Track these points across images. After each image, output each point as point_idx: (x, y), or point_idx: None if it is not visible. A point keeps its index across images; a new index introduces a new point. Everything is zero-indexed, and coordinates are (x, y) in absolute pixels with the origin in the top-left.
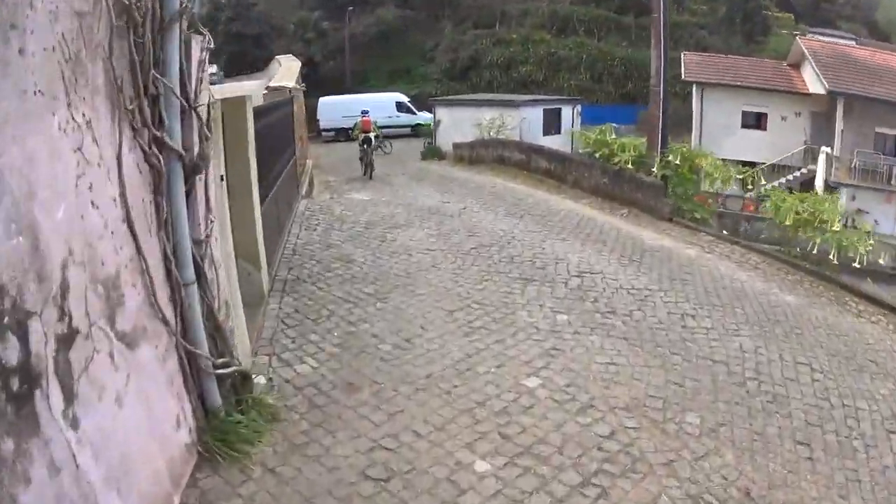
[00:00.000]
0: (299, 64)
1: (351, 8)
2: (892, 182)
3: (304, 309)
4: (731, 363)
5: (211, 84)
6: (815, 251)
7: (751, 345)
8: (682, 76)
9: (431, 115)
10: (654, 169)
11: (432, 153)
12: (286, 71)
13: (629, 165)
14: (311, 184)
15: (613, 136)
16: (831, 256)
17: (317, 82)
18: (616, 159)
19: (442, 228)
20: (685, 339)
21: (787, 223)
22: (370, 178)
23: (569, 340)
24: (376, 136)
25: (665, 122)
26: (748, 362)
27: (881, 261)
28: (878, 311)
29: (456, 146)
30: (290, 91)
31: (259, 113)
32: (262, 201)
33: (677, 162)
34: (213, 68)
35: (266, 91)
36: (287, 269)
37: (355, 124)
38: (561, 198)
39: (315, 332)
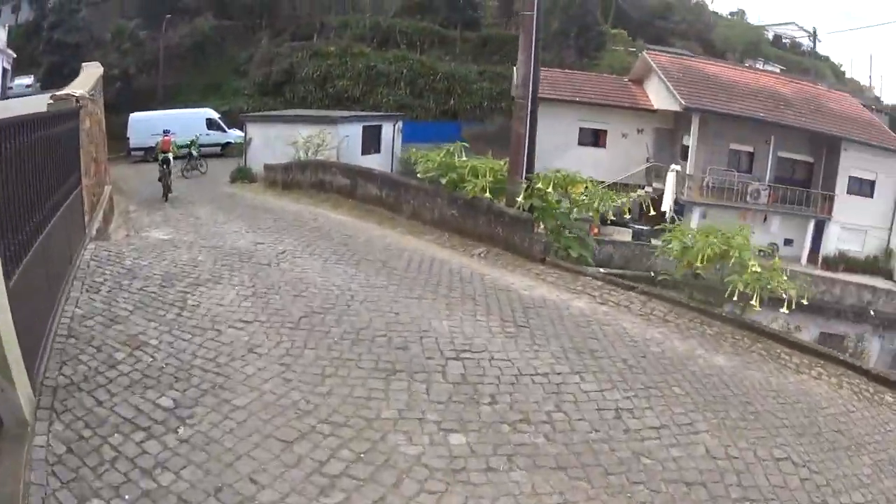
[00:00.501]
0: (100, 70)
1: (168, 16)
2: (748, 199)
3: (80, 447)
4: (707, 481)
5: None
6: (734, 297)
7: (717, 445)
8: (513, 92)
9: (242, 133)
10: (520, 199)
11: (243, 175)
12: (84, 78)
13: (486, 194)
14: (106, 219)
15: (464, 158)
16: (753, 302)
17: (130, 97)
18: (468, 186)
19: (258, 284)
20: (638, 454)
21: (699, 264)
22: (166, 199)
23: (482, 486)
24: (191, 156)
25: (533, 142)
26: (727, 475)
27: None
28: (814, 361)
29: (268, 168)
30: (76, 101)
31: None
32: (14, 270)
33: (549, 190)
34: (29, 79)
35: (50, 101)
36: (59, 366)
37: (157, 143)
38: (399, 233)
39: (99, 496)
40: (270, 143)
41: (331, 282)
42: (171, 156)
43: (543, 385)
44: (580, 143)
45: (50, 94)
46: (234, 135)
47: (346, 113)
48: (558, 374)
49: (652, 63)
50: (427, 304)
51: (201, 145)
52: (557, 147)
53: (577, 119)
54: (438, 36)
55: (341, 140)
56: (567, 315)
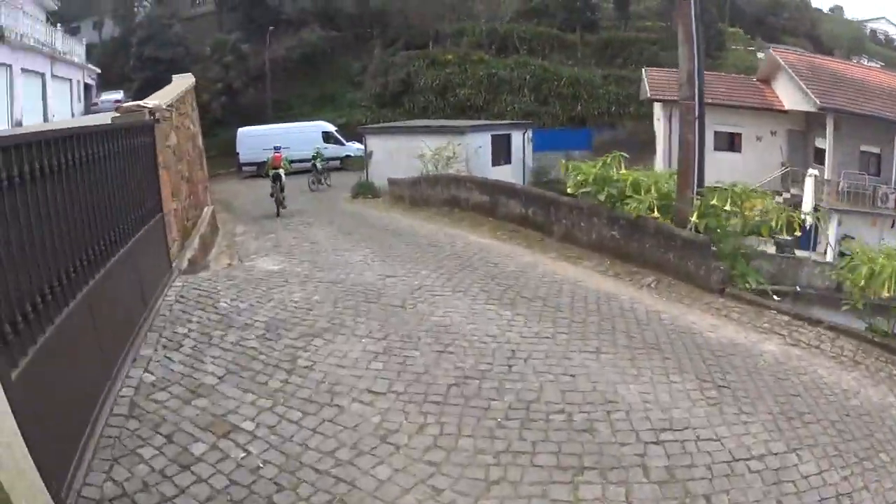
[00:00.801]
0: (190, 82)
1: (272, 28)
2: (878, 204)
3: None
4: None
5: None
6: None
7: None
8: (642, 95)
9: (362, 146)
10: (693, 218)
11: (365, 190)
12: (170, 89)
13: (654, 213)
14: (205, 245)
15: (623, 170)
16: None
17: (237, 111)
18: (631, 203)
19: (391, 335)
20: None
21: (885, 294)
22: (278, 215)
23: None
24: (315, 169)
25: (702, 151)
26: None
27: None
28: None
29: (393, 183)
30: (150, 113)
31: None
32: (24, 353)
33: (726, 207)
34: (118, 95)
35: (116, 114)
36: (109, 466)
37: (268, 159)
38: (552, 259)
39: None
40: (393, 155)
41: (483, 330)
42: (282, 172)
43: (761, 473)
44: (716, 149)
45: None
46: (354, 147)
47: (473, 122)
48: (774, 454)
49: (781, 61)
50: (607, 359)
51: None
52: None
53: (713, 122)
54: (558, 40)
55: (476, 150)
56: (763, 365)
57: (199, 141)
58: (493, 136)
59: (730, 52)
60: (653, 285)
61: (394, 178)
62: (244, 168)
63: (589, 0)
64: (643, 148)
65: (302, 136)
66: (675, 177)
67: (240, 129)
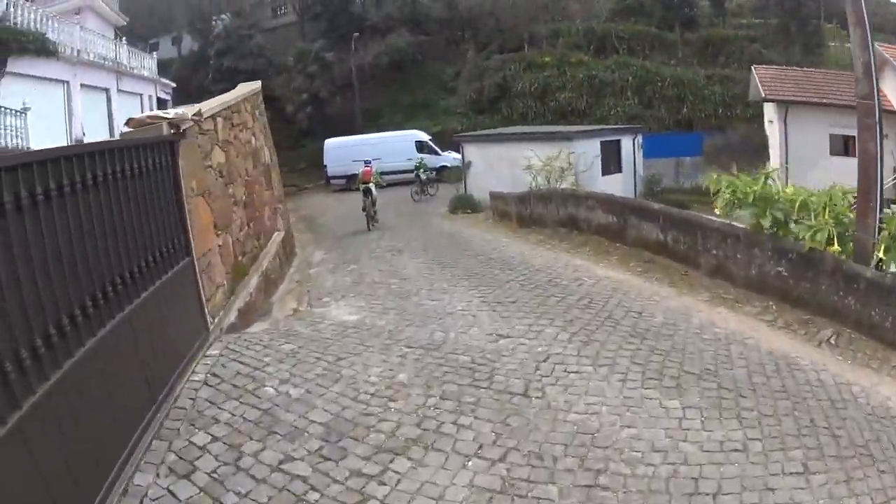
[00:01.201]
0: (251, 88)
1: (357, 35)
2: None
3: None
4: None
5: None
6: None
7: None
8: (751, 96)
9: (459, 156)
10: (880, 253)
11: (463, 204)
12: (225, 97)
13: (833, 245)
14: (268, 284)
15: (789, 187)
16: None
17: (323, 122)
18: (800, 231)
19: (511, 452)
20: None
21: None
22: (369, 229)
23: None
24: (419, 179)
25: (882, 161)
26: None
27: None
28: None
29: (496, 197)
30: (171, 125)
31: None
32: None
33: None
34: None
35: (127, 129)
36: None
37: (360, 173)
38: (706, 304)
39: None
40: (493, 166)
41: (647, 438)
42: (372, 186)
43: None
44: (832, 153)
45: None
46: (450, 157)
47: (579, 127)
48: None
49: (889, 57)
50: (819, 483)
51: (410, 171)
52: (804, 158)
53: (828, 125)
54: (658, 39)
55: (581, 159)
56: None
57: (267, 156)
58: (602, 142)
59: (828, 48)
60: (832, 341)
61: (497, 192)
62: (332, 181)
63: None
64: (757, 153)
65: (393, 146)
66: (847, 195)
67: (327, 141)
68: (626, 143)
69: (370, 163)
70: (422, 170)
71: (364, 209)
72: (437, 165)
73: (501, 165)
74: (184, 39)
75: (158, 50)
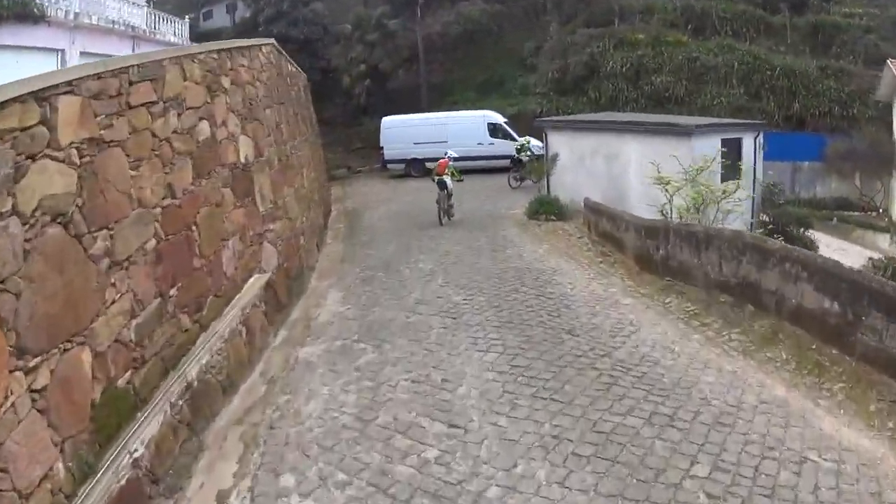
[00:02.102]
0: (236, 44)
1: (423, 0)
2: None
3: None
4: None
5: None
6: None
7: None
8: (879, 95)
9: (539, 143)
10: None
11: (546, 209)
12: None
13: None
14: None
15: None
16: None
17: (385, 97)
18: None
19: None
20: None
21: None
22: (441, 224)
23: None
24: (520, 162)
25: None
26: None
27: None
28: None
29: (593, 210)
30: None
31: None
32: None
33: None
34: None
35: None
36: None
37: (435, 165)
38: None
39: None
40: (585, 161)
41: None
42: (447, 179)
43: None
44: None
45: None
46: (533, 145)
47: (697, 119)
48: None
49: None
50: None
51: (481, 157)
52: None
53: None
54: (764, 22)
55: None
56: None
57: (249, 150)
58: (723, 140)
59: None
60: None
61: (595, 203)
62: (389, 165)
63: None
64: (883, 164)
65: (462, 128)
66: None
67: (384, 119)
68: (748, 143)
69: (447, 154)
70: (524, 153)
71: (438, 202)
72: (512, 155)
73: (595, 162)
74: (238, 7)
75: (212, 18)
